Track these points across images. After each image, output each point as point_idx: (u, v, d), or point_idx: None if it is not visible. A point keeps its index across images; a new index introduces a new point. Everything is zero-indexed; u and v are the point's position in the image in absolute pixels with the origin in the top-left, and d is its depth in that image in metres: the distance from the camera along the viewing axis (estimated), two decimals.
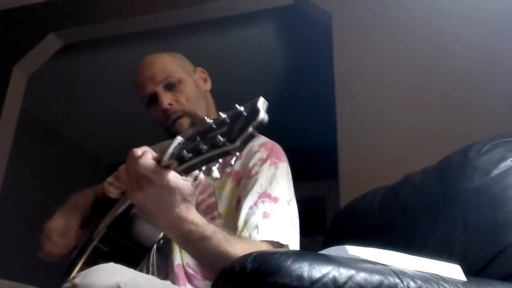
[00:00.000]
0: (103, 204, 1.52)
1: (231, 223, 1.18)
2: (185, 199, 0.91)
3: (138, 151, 0.90)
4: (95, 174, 1.58)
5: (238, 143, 0.73)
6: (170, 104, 1.31)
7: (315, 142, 3.61)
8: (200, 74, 1.45)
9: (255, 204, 1.16)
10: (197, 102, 1.35)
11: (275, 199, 1.19)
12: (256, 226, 1.13)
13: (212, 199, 1.25)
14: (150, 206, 0.91)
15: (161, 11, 2.74)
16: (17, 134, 2.93)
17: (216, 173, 0.80)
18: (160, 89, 1.32)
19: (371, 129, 2.12)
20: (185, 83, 1.35)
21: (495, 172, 1.09)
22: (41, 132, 3.94)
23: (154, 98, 1.33)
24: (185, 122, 1.32)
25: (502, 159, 1.10)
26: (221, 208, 1.23)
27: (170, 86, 1.33)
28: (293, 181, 1.29)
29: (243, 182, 1.23)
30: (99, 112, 3.85)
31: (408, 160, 1.86)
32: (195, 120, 1.32)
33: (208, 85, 1.44)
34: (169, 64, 1.36)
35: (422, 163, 1.36)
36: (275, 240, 1.13)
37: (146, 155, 0.88)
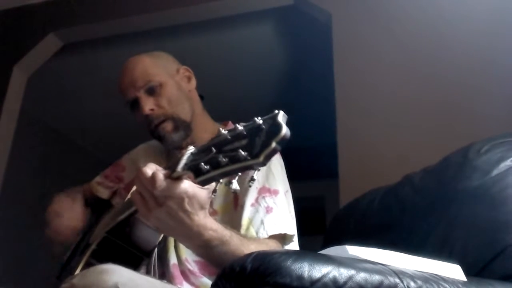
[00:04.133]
0: (92, 204, 1.51)
1: (228, 219, 1.19)
2: (202, 207, 0.91)
3: (148, 171, 0.88)
4: (95, 174, 1.58)
5: (261, 158, 0.71)
6: (152, 110, 1.31)
7: (315, 142, 3.61)
8: (184, 73, 1.41)
9: (256, 200, 1.18)
10: (180, 104, 1.33)
11: (275, 192, 1.21)
12: (262, 223, 1.15)
13: None
14: (170, 221, 0.90)
15: (161, 10, 2.74)
16: (17, 134, 2.93)
17: (235, 185, 0.79)
18: (141, 94, 1.31)
19: (371, 129, 2.12)
20: (166, 86, 1.33)
21: (495, 172, 1.09)
22: (41, 132, 3.94)
23: (136, 103, 1.33)
24: (168, 126, 1.31)
25: (502, 159, 1.11)
26: (216, 204, 1.24)
27: (151, 91, 1.32)
28: (293, 181, 1.31)
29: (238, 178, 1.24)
30: (99, 111, 3.85)
31: (408, 160, 1.86)
32: (178, 123, 1.32)
33: (192, 84, 1.42)
34: (150, 68, 1.34)
35: (422, 163, 1.36)
36: (282, 232, 1.16)
37: (158, 176, 0.87)
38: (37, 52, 2.92)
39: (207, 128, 1.37)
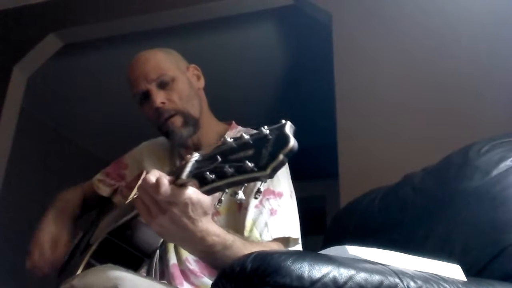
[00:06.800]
0: (93, 202, 1.51)
1: (231, 221, 1.19)
2: (205, 213, 0.90)
3: (152, 177, 0.87)
4: (95, 174, 1.58)
5: (268, 170, 0.69)
6: (163, 103, 1.30)
7: (315, 142, 3.61)
8: (193, 71, 1.42)
9: (260, 202, 1.17)
10: (190, 100, 1.34)
11: (279, 195, 1.20)
12: (266, 225, 1.14)
13: None
14: (173, 227, 0.89)
15: (161, 10, 2.74)
16: (17, 134, 2.93)
17: (241, 195, 0.77)
18: (153, 88, 1.31)
19: (371, 129, 2.12)
20: (178, 81, 1.33)
21: (495, 172, 1.09)
22: (41, 132, 3.94)
23: (146, 96, 1.32)
24: (178, 121, 1.31)
25: (502, 159, 1.10)
26: (219, 205, 1.23)
27: (163, 85, 1.32)
28: (293, 181, 1.30)
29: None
30: (99, 112, 3.85)
31: (408, 160, 1.86)
32: (187, 118, 1.32)
33: (201, 83, 1.43)
34: (163, 62, 1.35)
35: (422, 163, 1.36)
36: (287, 235, 1.15)
37: (162, 181, 0.85)
38: (37, 52, 2.92)
39: (212, 127, 1.38)
